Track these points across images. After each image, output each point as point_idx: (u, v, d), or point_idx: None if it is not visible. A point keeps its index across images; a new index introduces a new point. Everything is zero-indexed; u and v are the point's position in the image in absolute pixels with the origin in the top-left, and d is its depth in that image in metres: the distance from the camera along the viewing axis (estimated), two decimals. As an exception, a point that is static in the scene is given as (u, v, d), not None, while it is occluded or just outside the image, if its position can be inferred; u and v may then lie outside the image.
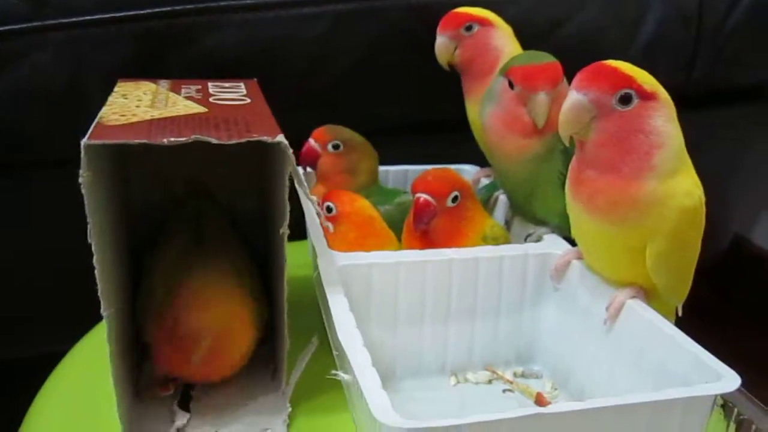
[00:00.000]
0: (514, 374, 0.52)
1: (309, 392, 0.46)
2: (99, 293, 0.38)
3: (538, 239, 0.54)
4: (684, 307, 0.49)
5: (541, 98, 0.50)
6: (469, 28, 0.59)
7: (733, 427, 0.43)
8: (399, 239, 0.55)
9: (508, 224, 0.60)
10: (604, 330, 0.46)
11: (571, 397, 0.49)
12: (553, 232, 0.54)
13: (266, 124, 0.43)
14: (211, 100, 0.49)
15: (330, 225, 0.52)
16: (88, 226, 0.37)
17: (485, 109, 0.55)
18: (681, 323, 0.45)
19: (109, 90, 0.51)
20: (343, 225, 0.53)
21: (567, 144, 0.44)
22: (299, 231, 0.55)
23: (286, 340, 0.45)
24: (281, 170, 0.41)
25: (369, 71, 0.72)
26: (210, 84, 0.55)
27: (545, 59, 0.52)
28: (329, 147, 0.61)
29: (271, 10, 0.68)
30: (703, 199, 0.43)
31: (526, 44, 0.60)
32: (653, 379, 0.42)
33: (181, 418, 0.44)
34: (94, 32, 0.66)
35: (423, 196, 0.51)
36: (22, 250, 0.72)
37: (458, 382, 0.51)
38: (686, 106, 0.47)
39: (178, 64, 0.68)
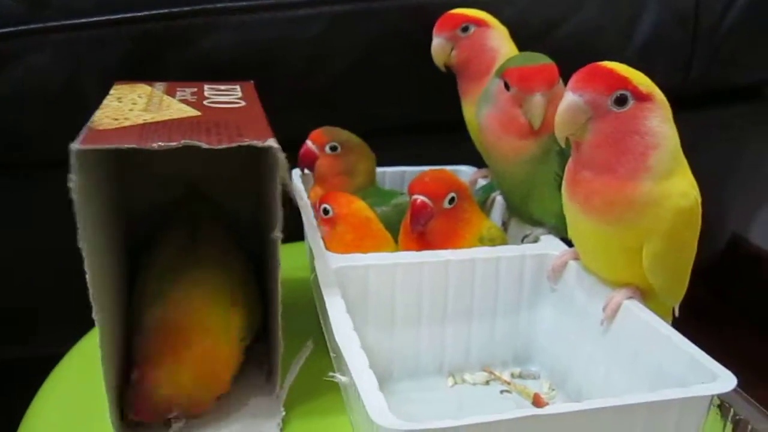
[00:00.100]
0: (512, 375, 0.52)
1: (305, 395, 0.46)
2: (90, 297, 0.38)
3: (535, 240, 0.54)
4: (681, 308, 0.49)
5: (537, 100, 0.50)
6: (465, 29, 0.59)
7: (729, 427, 0.43)
8: (396, 240, 0.55)
9: (505, 225, 0.60)
10: (601, 330, 0.46)
11: (569, 397, 0.49)
12: (549, 232, 0.54)
13: (258, 127, 0.43)
14: (205, 103, 0.49)
15: (323, 229, 0.53)
16: (78, 231, 0.37)
17: (481, 110, 0.55)
18: (677, 324, 0.45)
19: (106, 91, 0.51)
20: (340, 227, 0.53)
21: (563, 145, 0.44)
22: (296, 233, 0.55)
23: (281, 343, 0.45)
24: (274, 174, 0.42)
25: (365, 72, 0.72)
26: (206, 86, 0.55)
27: (541, 60, 0.52)
28: (327, 149, 0.61)
29: (267, 12, 0.69)
30: (699, 200, 0.44)
31: (522, 45, 0.60)
32: (650, 380, 0.42)
33: (178, 421, 0.44)
34: (92, 34, 0.66)
35: (420, 198, 0.51)
36: (22, 250, 0.72)
37: (455, 383, 0.51)
38: (683, 106, 0.48)
39: (175, 65, 0.68)
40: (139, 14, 0.66)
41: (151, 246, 0.53)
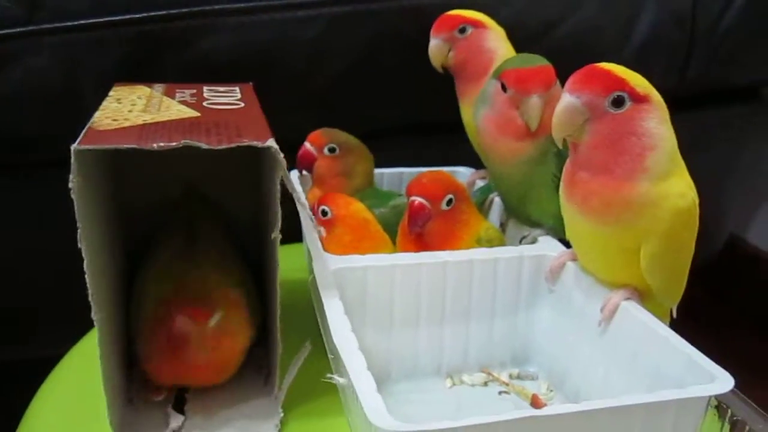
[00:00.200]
0: (510, 376, 0.52)
1: (303, 396, 0.46)
2: (89, 297, 0.38)
3: (533, 241, 0.54)
4: (678, 308, 0.49)
5: (534, 101, 0.50)
6: (462, 31, 0.59)
7: (727, 428, 0.43)
8: (394, 242, 0.55)
9: (503, 226, 0.60)
10: (599, 331, 0.46)
11: (567, 398, 0.49)
12: (547, 234, 0.54)
13: (257, 128, 0.43)
14: (204, 104, 0.49)
15: (322, 230, 0.53)
16: (78, 231, 0.37)
17: (479, 112, 0.55)
18: (675, 324, 0.45)
19: (104, 93, 0.51)
20: (338, 228, 0.53)
21: (560, 146, 0.45)
22: (295, 234, 0.55)
23: (279, 344, 0.45)
24: (273, 175, 0.42)
25: (364, 74, 0.72)
26: (205, 88, 0.55)
27: (538, 62, 0.52)
28: (325, 150, 0.61)
29: (265, 13, 0.69)
30: (697, 201, 0.44)
31: (519, 46, 0.60)
32: (648, 381, 0.42)
33: (176, 421, 0.44)
34: (90, 35, 0.66)
35: (418, 199, 0.51)
36: (22, 250, 0.72)
37: (454, 384, 0.51)
38: (680, 106, 0.48)
39: (174, 67, 0.68)
40: (137, 16, 0.66)
41: (151, 246, 0.53)
